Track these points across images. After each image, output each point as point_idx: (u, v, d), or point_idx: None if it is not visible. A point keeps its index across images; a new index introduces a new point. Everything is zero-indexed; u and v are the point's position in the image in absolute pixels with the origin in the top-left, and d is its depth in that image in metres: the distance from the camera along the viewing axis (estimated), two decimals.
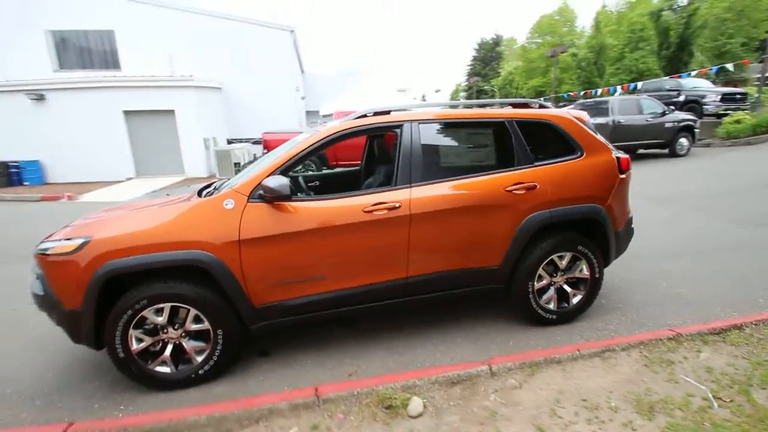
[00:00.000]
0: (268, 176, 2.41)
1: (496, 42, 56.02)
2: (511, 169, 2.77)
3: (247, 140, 15.18)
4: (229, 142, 15.23)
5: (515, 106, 3.10)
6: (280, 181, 2.29)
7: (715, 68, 15.60)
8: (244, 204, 2.36)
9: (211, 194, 2.54)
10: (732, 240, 4.57)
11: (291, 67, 18.07)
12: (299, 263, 2.44)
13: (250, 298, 2.40)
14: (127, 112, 13.59)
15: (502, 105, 3.14)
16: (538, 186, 2.74)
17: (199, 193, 2.74)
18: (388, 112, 2.76)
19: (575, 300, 2.99)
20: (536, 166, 2.81)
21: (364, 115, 2.71)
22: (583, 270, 2.96)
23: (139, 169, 14.12)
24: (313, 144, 2.55)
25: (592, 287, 3.00)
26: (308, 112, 22.22)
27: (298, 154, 2.52)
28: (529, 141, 2.83)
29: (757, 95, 14.23)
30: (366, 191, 2.59)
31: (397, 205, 2.50)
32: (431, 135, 2.75)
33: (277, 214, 2.37)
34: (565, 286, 2.98)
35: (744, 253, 4.15)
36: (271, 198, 2.32)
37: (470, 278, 2.77)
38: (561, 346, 2.61)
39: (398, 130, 2.66)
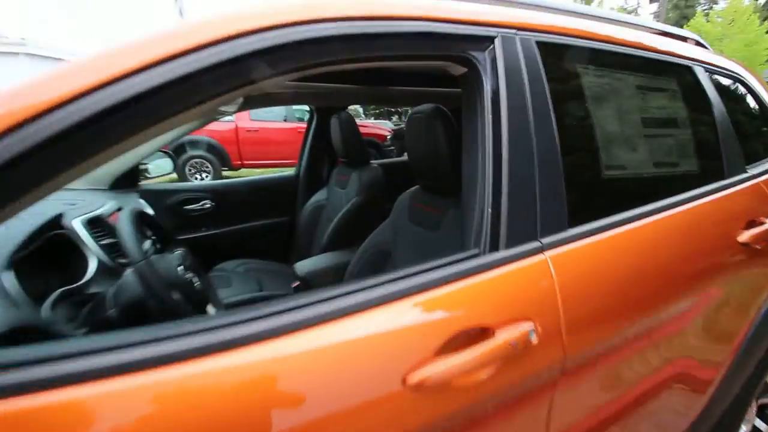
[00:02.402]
0: None
1: None
2: (723, 184, 1.11)
3: None
4: None
5: (666, 35, 1.25)
6: None
7: None
8: None
9: None
10: None
11: None
12: None
13: None
14: None
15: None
16: None
17: None
18: None
19: None
20: (754, 177, 1.19)
21: None
22: None
23: None
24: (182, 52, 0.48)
25: None
26: None
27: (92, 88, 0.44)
28: None
29: None
30: (399, 274, 0.61)
31: (531, 337, 0.64)
32: (570, 80, 0.88)
33: None
34: (758, 423, 1.45)
35: None
36: None
37: None
38: None
39: (481, 56, 0.73)
